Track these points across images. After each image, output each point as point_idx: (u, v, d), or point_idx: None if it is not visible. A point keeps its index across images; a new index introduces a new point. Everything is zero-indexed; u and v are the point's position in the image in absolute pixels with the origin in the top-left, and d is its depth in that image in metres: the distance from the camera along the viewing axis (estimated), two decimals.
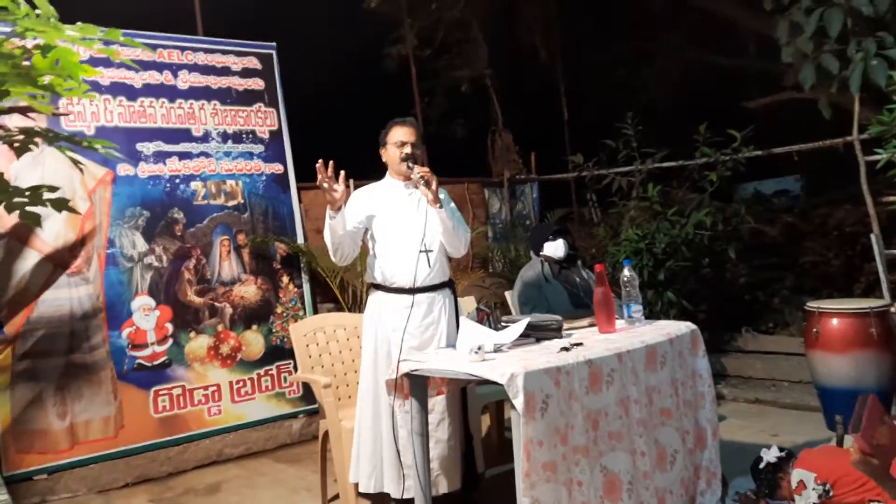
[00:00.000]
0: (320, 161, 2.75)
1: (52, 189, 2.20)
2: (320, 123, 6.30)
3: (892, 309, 3.42)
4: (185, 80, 4.57)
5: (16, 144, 2.30)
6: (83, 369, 3.98)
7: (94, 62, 4.03)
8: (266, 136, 4.87)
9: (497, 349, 2.54)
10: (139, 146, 4.35)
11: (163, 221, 4.39)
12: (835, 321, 3.33)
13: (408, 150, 2.96)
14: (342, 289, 4.90)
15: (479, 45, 7.14)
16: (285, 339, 4.65)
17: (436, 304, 2.97)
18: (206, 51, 4.69)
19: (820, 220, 6.42)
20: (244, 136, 4.77)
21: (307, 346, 3.44)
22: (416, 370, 2.54)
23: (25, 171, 3.84)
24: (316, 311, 4.87)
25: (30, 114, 2.50)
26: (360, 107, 6.65)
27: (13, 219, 3.67)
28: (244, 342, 4.57)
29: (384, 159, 3.09)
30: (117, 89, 4.30)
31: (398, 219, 2.98)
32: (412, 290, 2.91)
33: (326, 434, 3.27)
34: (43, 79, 2.08)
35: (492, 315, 2.98)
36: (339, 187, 2.80)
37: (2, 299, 3.79)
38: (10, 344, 3.79)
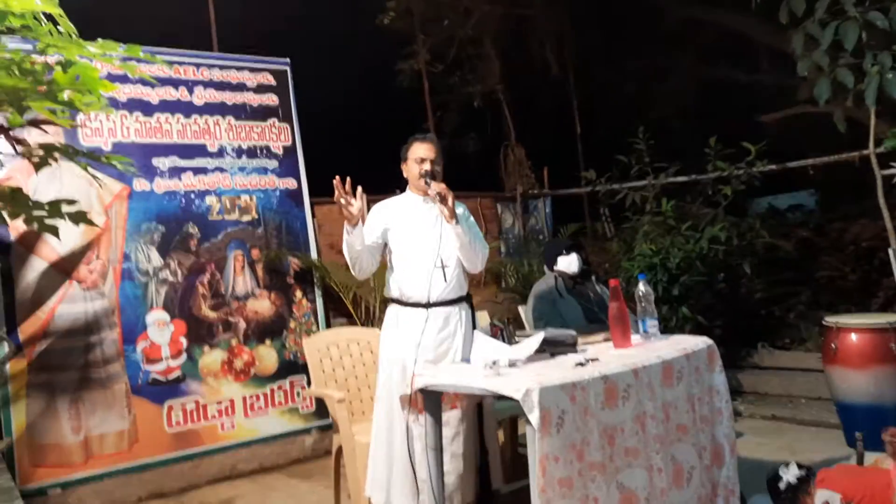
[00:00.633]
0: (337, 178, 2.77)
1: (71, 202, 2.23)
2: (334, 139, 6.34)
3: None
4: (201, 96, 4.62)
5: (35, 159, 2.33)
6: (98, 383, 4.00)
7: (111, 78, 4.05)
8: (280, 151, 4.90)
9: (512, 364, 2.53)
10: (155, 161, 4.39)
11: (178, 236, 4.41)
12: (853, 336, 3.28)
13: (427, 166, 2.97)
14: (355, 304, 4.90)
15: (492, 61, 7.18)
16: (299, 354, 4.65)
17: (452, 318, 2.96)
18: (222, 67, 4.74)
19: (836, 235, 6.35)
20: (258, 151, 4.81)
21: (321, 360, 3.44)
22: (430, 385, 2.52)
23: (43, 185, 3.88)
24: (329, 326, 4.87)
25: (47, 129, 2.53)
26: (374, 122, 6.70)
27: (31, 234, 3.72)
28: (258, 357, 4.57)
29: (405, 174, 3.10)
30: (134, 105, 4.35)
31: (415, 233, 2.99)
32: (427, 305, 2.91)
33: (340, 449, 3.25)
34: (63, 94, 2.11)
35: (505, 330, 2.98)
36: (357, 203, 2.81)
37: (18, 312, 3.82)
38: (25, 356, 3.81)
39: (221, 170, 4.63)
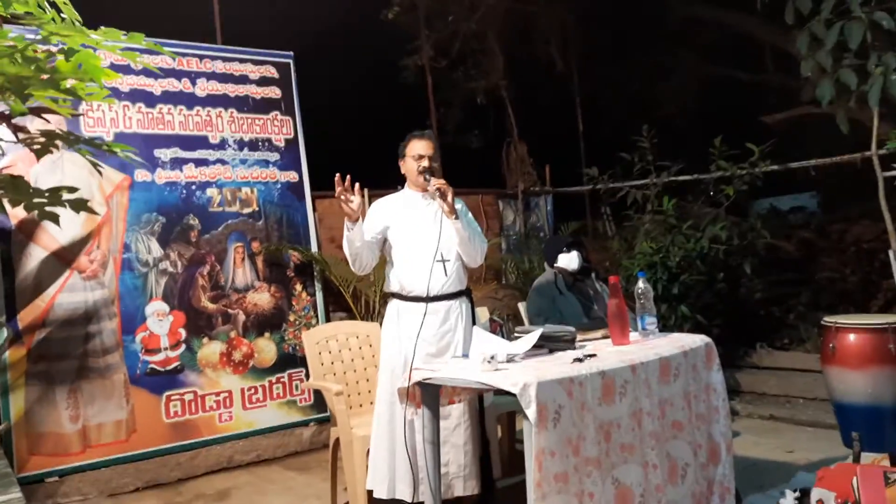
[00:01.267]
0: (338, 174, 2.82)
1: (72, 190, 2.23)
2: (336, 133, 6.33)
3: None
4: (204, 88, 4.62)
5: (36, 147, 2.33)
6: (96, 372, 4.01)
7: (113, 69, 4.05)
8: (282, 144, 4.90)
9: (510, 359, 2.53)
10: (157, 152, 4.39)
11: (178, 227, 4.42)
12: (852, 336, 3.28)
13: (425, 163, 3.03)
14: (355, 298, 4.91)
15: (495, 56, 7.16)
16: (297, 347, 4.66)
17: (452, 312, 3.01)
18: (225, 59, 4.74)
19: (837, 236, 6.35)
20: (260, 144, 4.81)
21: (319, 353, 3.44)
22: (428, 379, 2.53)
23: (44, 175, 3.89)
24: (328, 320, 4.87)
25: (48, 118, 2.53)
26: (376, 117, 6.69)
27: (31, 221, 3.72)
28: (256, 349, 4.58)
29: (403, 171, 3.16)
30: (136, 96, 4.35)
31: (415, 229, 3.03)
32: (427, 299, 2.93)
33: (337, 442, 3.26)
34: (65, 83, 2.11)
35: (505, 326, 2.99)
36: (356, 199, 2.86)
37: (18, 299, 3.83)
38: (24, 344, 3.82)
39: (223, 162, 4.63)
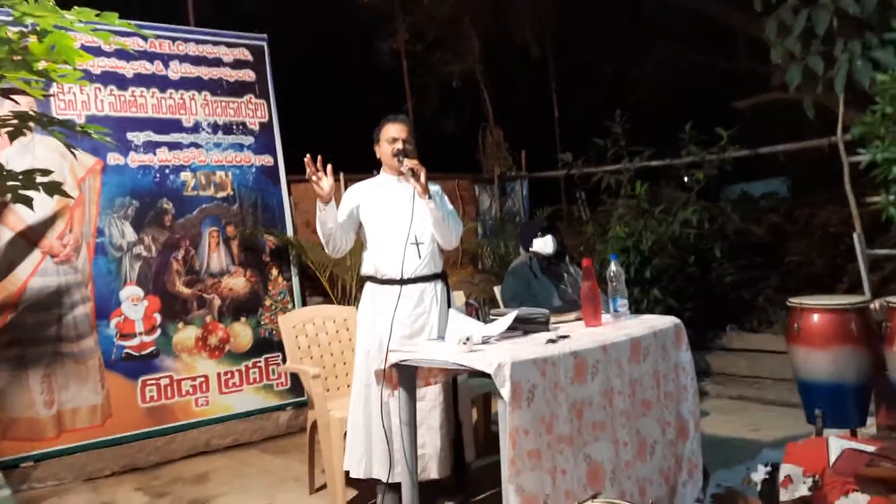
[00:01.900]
0: (308, 155, 2.83)
1: (46, 173, 2.21)
2: (311, 116, 6.30)
3: (872, 305, 3.48)
4: (177, 71, 4.57)
5: (8, 129, 2.31)
6: (70, 357, 3.98)
7: (85, 51, 4.01)
8: (256, 127, 4.87)
9: (485, 341, 2.57)
10: (129, 136, 4.35)
11: (152, 212, 4.39)
12: (816, 317, 3.37)
13: (399, 146, 3.05)
14: (332, 282, 4.92)
15: (471, 40, 7.16)
16: (274, 332, 4.66)
17: (427, 294, 3.03)
18: (198, 41, 4.69)
19: (804, 221, 6.49)
20: (235, 127, 4.78)
21: (296, 337, 3.46)
22: (404, 360, 2.57)
23: (15, 158, 3.82)
24: (305, 305, 4.88)
25: (19, 100, 2.51)
26: (352, 100, 6.67)
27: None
28: (232, 334, 4.58)
29: (378, 155, 3.17)
30: (108, 78, 4.30)
31: (389, 211, 3.05)
32: (402, 282, 2.96)
33: (314, 424, 3.29)
34: (38, 64, 2.09)
35: (480, 310, 3.03)
36: (328, 181, 2.87)
37: None
38: None
39: (197, 145, 4.60)
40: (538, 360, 2.27)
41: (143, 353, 4.23)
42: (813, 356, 3.38)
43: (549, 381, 2.29)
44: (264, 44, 4.99)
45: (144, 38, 4.33)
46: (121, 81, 4.34)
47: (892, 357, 3.12)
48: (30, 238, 3.93)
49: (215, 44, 4.76)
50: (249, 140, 4.83)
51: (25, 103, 3.50)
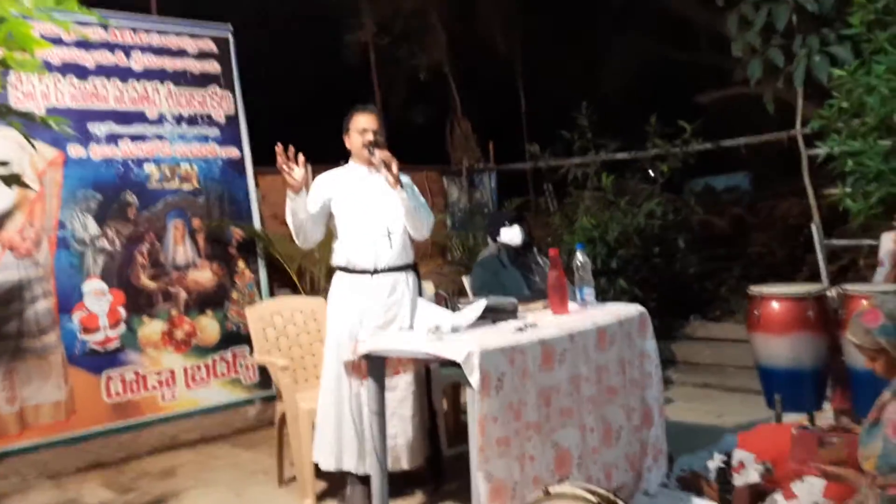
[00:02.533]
0: (279, 144, 2.80)
1: (3, 164, 2.17)
2: (279, 109, 6.25)
3: (829, 293, 3.58)
4: (139, 61, 4.49)
5: None
6: (33, 353, 3.90)
7: (46, 40, 3.92)
8: (222, 119, 4.81)
9: (454, 330, 2.59)
10: (91, 128, 4.26)
11: (115, 204, 4.31)
12: (775, 304, 3.46)
13: (369, 136, 3.02)
14: (300, 275, 4.89)
15: (438, 34, 7.16)
16: (241, 326, 4.61)
17: (399, 285, 3.03)
18: (160, 32, 4.61)
19: (765, 213, 6.65)
20: (199, 119, 4.71)
21: (264, 329, 3.44)
22: (374, 351, 2.57)
23: None
24: (273, 297, 4.84)
25: None
26: (320, 93, 6.63)
27: None
28: (199, 327, 4.52)
29: (347, 146, 3.14)
30: (68, 69, 4.20)
31: (360, 202, 3.03)
32: (374, 272, 2.96)
33: (283, 417, 3.28)
34: None
35: (450, 300, 3.05)
36: (300, 171, 2.84)
37: None
38: None
39: (161, 137, 4.53)
40: (507, 348, 2.30)
41: (108, 347, 4.16)
42: (772, 342, 3.47)
43: (518, 368, 2.32)
44: (229, 35, 4.92)
45: (106, 27, 4.25)
46: (81, 72, 4.25)
47: (847, 343, 3.22)
48: None
49: (179, 34, 4.69)
50: (215, 132, 4.77)
51: None
